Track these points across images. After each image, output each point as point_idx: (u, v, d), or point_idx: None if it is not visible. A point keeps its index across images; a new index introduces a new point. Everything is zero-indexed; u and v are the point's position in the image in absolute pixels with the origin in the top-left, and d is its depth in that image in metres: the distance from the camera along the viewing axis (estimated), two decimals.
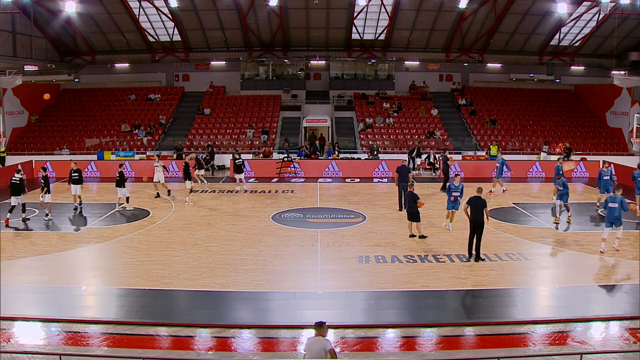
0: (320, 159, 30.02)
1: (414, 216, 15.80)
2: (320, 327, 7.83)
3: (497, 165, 23.42)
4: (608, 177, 19.76)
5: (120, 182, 19.74)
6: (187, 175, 21.35)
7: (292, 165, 27.91)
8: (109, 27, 33.91)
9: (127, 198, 20.10)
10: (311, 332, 7.99)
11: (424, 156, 29.94)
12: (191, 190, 21.65)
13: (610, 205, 14.62)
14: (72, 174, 19.94)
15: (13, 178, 17.85)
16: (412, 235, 15.97)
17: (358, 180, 26.97)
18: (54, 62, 35.49)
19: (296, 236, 16.36)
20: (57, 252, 14.78)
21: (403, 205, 19.61)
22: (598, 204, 20.18)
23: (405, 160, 22.10)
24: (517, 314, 11.00)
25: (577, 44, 35.84)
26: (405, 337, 10.07)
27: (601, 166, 20.99)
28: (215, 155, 30.12)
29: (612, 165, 20.87)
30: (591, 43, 35.52)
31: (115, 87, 37.60)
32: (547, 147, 31.19)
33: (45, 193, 18.28)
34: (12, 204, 17.62)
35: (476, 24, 34.18)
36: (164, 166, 22.63)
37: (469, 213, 14.15)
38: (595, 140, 33.60)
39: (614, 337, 10.02)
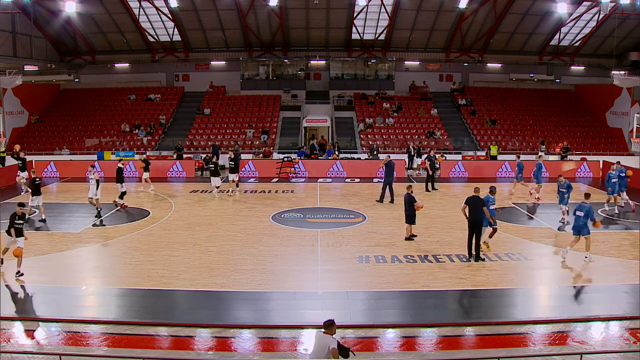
0: (320, 159, 30.04)
1: (410, 218, 15.79)
2: (330, 327, 7.80)
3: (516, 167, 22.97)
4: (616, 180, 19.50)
5: (235, 168, 23.02)
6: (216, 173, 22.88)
7: (294, 166, 27.92)
8: (109, 27, 33.91)
9: (237, 182, 23.03)
10: (311, 332, 7.97)
11: (424, 156, 29.94)
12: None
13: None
14: (35, 181, 18.37)
15: (118, 165, 20.82)
16: (408, 238, 15.91)
17: (358, 180, 26.97)
18: (54, 62, 35.49)
19: (296, 236, 16.35)
20: (57, 252, 14.77)
21: (383, 198, 21.12)
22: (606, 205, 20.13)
23: (389, 157, 22.39)
24: (517, 314, 10.99)
25: (577, 44, 35.85)
26: (405, 337, 10.06)
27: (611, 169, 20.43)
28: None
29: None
30: (591, 43, 35.52)
31: (115, 87, 37.61)
32: (544, 146, 31.19)
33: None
34: (120, 190, 20.22)
35: (476, 24, 34.18)
36: (97, 180, 18.99)
37: (467, 213, 14.16)
38: (595, 140, 33.60)
39: (614, 337, 10.02)
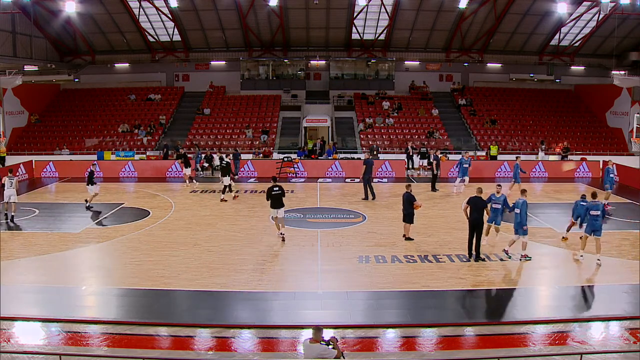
0: (320, 159, 30.02)
1: (409, 218, 15.77)
2: (317, 333, 7.58)
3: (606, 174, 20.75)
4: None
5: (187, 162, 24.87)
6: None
7: (293, 166, 27.91)
8: (109, 27, 33.92)
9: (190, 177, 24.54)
10: (311, 333, 7.92)
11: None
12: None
13: None
14: None
15: (222, 162, 22.22)
16: (408, 238, 15.87)
17: (358, 180, 26.93)
18: (54, 62, 35.50)
19: (296, 236, 16.34)
20: (57, 252, 14.76)
21: (368, 196, 21.54)
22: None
23: (367, 153, 22.60)
24: (517, 314, 10.99)
25: (577, 44, 35.86)
26: (405, 337, 10.06)
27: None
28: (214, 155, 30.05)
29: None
30: (591, 43, 35.53)
31: (115, 87, 37.62)
32: (544, 146, 31.17)
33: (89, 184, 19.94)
34: (224, 184, 21.56)
35: (476, 24, 34.19)
36: (3, 186, 17.96)
37: (469, 213, 14.16)
38: (595, 140, 33.61)
39: (614, 337, 10.02)
